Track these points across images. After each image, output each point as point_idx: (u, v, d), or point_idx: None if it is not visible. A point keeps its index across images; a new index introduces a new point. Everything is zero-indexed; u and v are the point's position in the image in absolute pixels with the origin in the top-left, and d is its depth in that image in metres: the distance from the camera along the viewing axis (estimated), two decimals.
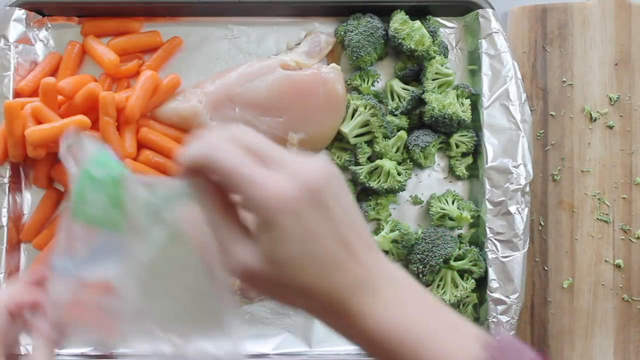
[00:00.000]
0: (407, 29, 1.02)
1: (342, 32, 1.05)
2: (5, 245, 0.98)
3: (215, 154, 0.50)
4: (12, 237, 1.00)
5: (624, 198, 1.05)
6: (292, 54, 1.06)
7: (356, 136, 1.03)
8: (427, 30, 1.04)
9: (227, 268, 0.54)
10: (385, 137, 1.02)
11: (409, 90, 1.04)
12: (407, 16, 1.03)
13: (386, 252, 1.02)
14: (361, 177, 1.02)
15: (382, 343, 0.52)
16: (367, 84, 1.05)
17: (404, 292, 0.54)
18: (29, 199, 1.03)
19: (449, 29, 1.08)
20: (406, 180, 1.03)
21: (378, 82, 1.07)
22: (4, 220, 0.98)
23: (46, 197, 1.02)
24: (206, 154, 0.50)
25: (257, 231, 0.51)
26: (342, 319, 0.52)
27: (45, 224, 1.01)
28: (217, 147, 0.50)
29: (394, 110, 1.05)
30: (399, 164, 1.03)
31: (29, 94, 1.01)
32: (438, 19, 1.08)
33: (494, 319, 0.98)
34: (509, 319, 0.98)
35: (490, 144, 1.01)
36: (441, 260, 0.99)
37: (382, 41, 1.05)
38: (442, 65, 1.03)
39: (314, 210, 0.50)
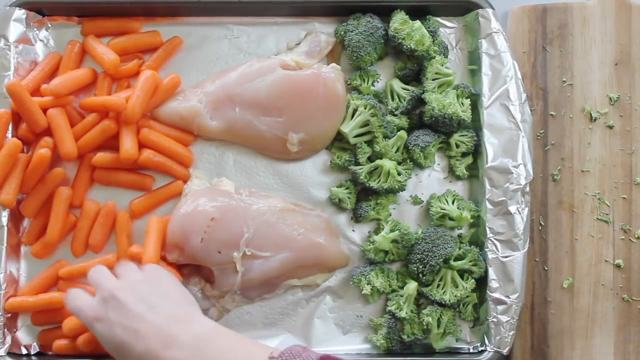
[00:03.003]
0: (407, 29, 1.02)
1: (342, 32, 1.05)
2: (5, 245, 0.98)
3: (69, 305, 0.88)
4: (12, 237, 1.00)
5: (624, 198, 1.05)
6: (292, 54, 1.06)
7: (356, 136, 1.03)
8: (427, 30, 1.04)
9: None
10: (385, 137, 1.02)
11: (409, 90, 1.04)
12: (407, 16, 1.03)
13: (386, 252, 1.02)
14: (361, 177, 1.02)
15: None
16: (367, 84, 1.05)
17: (198, 347, 0.78)
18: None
19: (449, 29, 1.08)
20: (406, 180, 1.03)
21: (378, 82, 1.07)
22: (4, 220, 0.99)
23: (47, 198, 1.02)
24: (68, 307, 0.89)
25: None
26: None
27: (46, 227, 1.01)
28: (69, 300, 0.88)
29: (394, 110, 1.05)
30: (399, 164, 1.03)
31: (29, 94, 1.01)
32: (438, 19, 1.08)
33: (494, 319, 0.98)
34: (509, 319, 0.98)
35: (490, 144, 1.01)
36: (441, 260, 0.99)
37: (382, 41, 1.05)
38: (442, 65, 1.03)
39: (113, 311, 0.81)
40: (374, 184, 1.01)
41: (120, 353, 0.80)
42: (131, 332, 0.79)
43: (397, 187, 1.02)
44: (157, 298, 0.83)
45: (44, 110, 0.99)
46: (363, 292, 1.00)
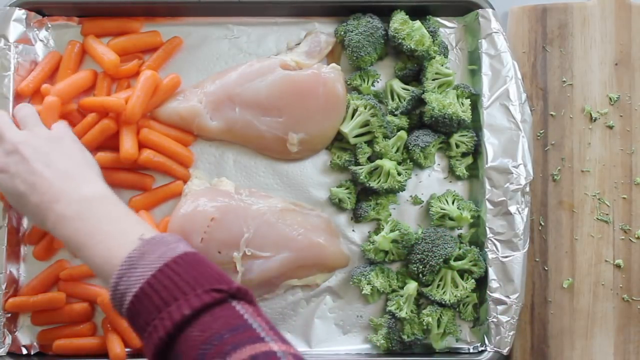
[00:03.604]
0: (407, 29, 1.02)
1: (342, 32, 1.05)
2: (5, 245, 0.98)
3: None
4: (12, 237, 1.00)
5: (624, 198, 1.05)
6: (292, 54, 1.06)
7: (356, 136, 1.03)
8: (427, 30, 1.04)
9: None
10: (385, 137, 1.02)
11: (409, 90, 1.04)
12: (407, 16, 1.03)
13: (386, 252, 1.02)
14: (361, 177, 1.02)
15: (68, 245, 0.81)
16: (367, 84, 1.05)
17: (81, 206, 0.81)
18: None
19: (449, 29, 1.08)
20: (406, 180, 1.03)
21: (378, 82, 1.07)
22: (4, 221, 0.99)
23: None
24: None
25: None
26: (46, 227, 0.83)
27: None
28: None
29: (394, 110, 1.05)
30: (399, 164, 1.03)
31: (30, 94, 1.01)
32: (438, 19, 1.07)
33: (494, 319, 0.98)
34: (509, 319, 0.98)
35: (490, 144, 1.01)
36: (441, 260, 0.99)
37: (382, 41, 1.05)
38: (442, 65, 1.03)
39: (15, 165, 0.86)
40: (374, 184, 1.01)
41: (19, 203, 0.87)
42: (28, 185, 0.84)
43: (397, 187, 1.02)
44: (56, 156, 0.87)
45: None
46: (363, 292, 1.00)
